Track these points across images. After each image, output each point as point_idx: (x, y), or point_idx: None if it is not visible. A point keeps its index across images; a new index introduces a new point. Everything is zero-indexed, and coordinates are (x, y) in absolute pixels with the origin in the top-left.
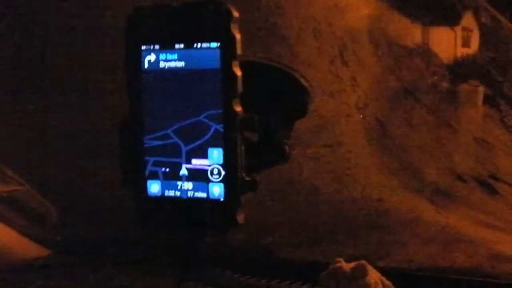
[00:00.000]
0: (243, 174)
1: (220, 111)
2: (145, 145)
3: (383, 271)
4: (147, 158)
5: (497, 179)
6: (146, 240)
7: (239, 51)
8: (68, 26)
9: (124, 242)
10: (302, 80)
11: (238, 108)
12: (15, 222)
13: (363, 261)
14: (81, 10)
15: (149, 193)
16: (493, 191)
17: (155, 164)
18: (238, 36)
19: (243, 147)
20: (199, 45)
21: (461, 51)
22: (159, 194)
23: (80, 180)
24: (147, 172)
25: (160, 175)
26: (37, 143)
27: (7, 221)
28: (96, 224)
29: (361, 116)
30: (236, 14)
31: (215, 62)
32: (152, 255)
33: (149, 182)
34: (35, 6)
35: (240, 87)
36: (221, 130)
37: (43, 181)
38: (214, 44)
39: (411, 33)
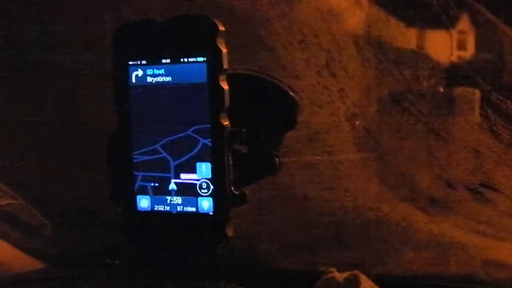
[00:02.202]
0: (232, 188)
1: (208, 125)
2: (134, 160)
3: (376, 280)
4: (136, 173)
5: (488, 187)
6: (140, 252)
7: (225, 65)
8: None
9: (119, 253)
10: (291, 92)
11: (226, 122)
12: (9, 235)
13: (356, 271)
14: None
15: (138, 208)
16: (484, 199)
17: (144, 179)
18: (224, 50)
19: (231, 161)
20: (185, 59)
21: (457, 54)
22: (149, 209)
23: (74, 191)
24: (136, 187)
25: (150, 190)
26: (29, 155)
27: (1, 235)
28: (90, 236)
29: (357, 122)
30: (222, 28)
31: (201, 76)
32: (146, 267)
33: (138, 197)
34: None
35: (227, 101)
36: (209, 144)
37: (36, 194)
38: (200, 59)
39: (407, 37)
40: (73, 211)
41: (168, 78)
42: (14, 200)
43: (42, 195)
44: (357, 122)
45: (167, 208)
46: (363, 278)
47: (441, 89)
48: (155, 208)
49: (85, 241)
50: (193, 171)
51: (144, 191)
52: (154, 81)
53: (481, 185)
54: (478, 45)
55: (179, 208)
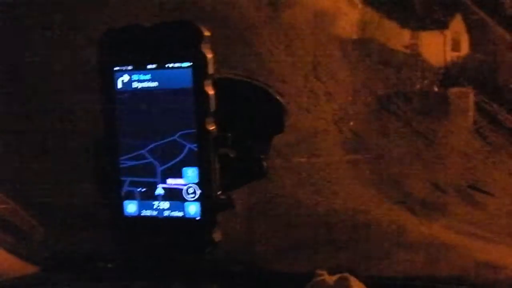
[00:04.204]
0: (218, 193)
1: (194, 130)
2: (121, 166)
3: (367, 282)
4: (123, 178)
5: (476, 189)
6: (131, 256)
7: (211, 70)
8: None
9: (111, 257)
10: (277, 96)
11: (212, 127)
12: (1, 240)
13: (346, 274)
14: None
15: (126, 213)
16: (474, 201)
17: (131, 184)
18: (209, 55)
19: (217, 166)
20: (171, 65)
21: (451, 55)
22: (136, 214)
23: (65, 195)
24: (123, 192)
25: (137, 195)
26: (19, 159)
27: None
28: (82, 240)
29: (351, 123)
30: (207, 33)
31: (187, 81)
32: (139, 271)
33: (125, 202)
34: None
35: (212, 106)
36: (195, 149)
37: (27, 198)
38: (186, 64)
39: (400, 38)
40: (65, 215)
41: (154, 84)
42: (5, 205)
43: (34, 199)
44: (351, 123)
45: (154, 213)
46: (353, 280)
47: (436, 89)
48: (142, 213)
49: (78, 245)
50: (180, 176)
51: (131, 196)
52: (140, 87)
53: (470, 187)
54: (472, 46)
55: (166, 213)
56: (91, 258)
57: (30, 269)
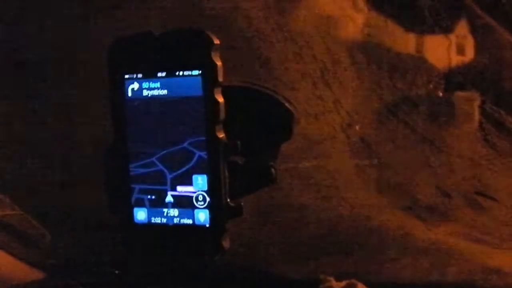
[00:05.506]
0: (228, 200)
1: (204, 138)
2: (131, 173)
3: None
4: (133, 186)
5: (484, 195)
6: (138, 262)
7: (220, 78)
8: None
9: (118, 263)
10: (286, 103)
11: (221, 135)
12: (9, 246)
13: (353, 280)
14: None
15: (135, 221)
16: (480, 207)
17: (141, 191)
18: (219, 63)
19: (227, 173)
20: (181, 73)
21: (456, 59)
22: (146, 221)
23: (73, 201)
24: (133, 200)
25: (146, 202)
26: (27, 165)
27: (0, 246)
28: (89, 246)
29: (357, 127)
30: (217, 41)
31: (197, 89)
32: (146, 276)
33: (135, 209)
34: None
35: (222, 114)
36: (205, 157)
37: (35, 204)
38: (195, 72)
39: (405, 42)
40: (73, 221)
41: (164, 91)
42: (13, 211)
43: (41, 205)
44: (357, 127)
45: (164, 220)
46: (360, 287)
47: (440, 94)
48: (152, 221)
49: (85, 251)
50: (190, 183)
51: (141, 204)
52: (150, 95)
53: (477, 193)
54: (477, 50)
55: (175, 220)
56: (99, 264)
57: (37, 275)
